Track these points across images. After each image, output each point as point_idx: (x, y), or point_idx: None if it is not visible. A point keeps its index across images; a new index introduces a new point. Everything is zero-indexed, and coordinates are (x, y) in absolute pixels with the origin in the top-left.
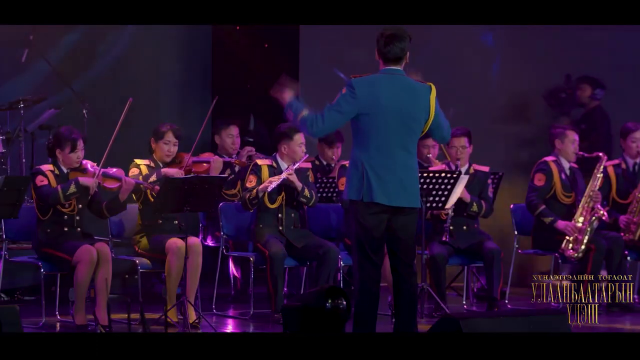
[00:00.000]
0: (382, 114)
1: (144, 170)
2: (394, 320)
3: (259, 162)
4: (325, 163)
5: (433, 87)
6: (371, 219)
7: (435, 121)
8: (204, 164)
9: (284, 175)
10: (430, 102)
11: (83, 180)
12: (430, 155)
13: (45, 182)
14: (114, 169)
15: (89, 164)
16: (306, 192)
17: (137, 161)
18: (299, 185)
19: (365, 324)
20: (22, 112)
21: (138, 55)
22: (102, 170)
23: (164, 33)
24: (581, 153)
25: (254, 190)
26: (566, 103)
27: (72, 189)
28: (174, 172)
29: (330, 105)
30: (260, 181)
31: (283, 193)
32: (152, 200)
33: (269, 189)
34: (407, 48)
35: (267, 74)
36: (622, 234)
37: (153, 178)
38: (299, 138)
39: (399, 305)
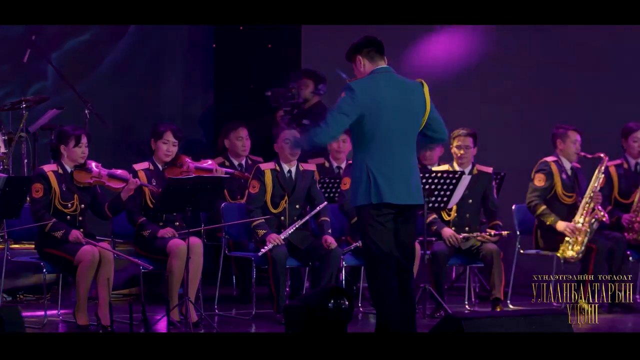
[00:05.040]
0: (384, 114)
1: (142, 177)
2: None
3: (262, 166)
4: (335, 165)
5: (424, 82)
6: (382, 220)
7: (431, 115)
8: (207, 173)
9: (283, 236)
10: (425, 96)
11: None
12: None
13: (41, 193)
14: (119, 170)
15: (93, 164)
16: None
17: (137, 168)
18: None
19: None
20: (24, 112)
21: (140, 56)
22: (108, 171)
23: (167, 33)
24: (583, 153)
25: (264, 236)
26: (288, 99)
27: (58, 232)
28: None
29: (332, 110)
30: (264, 186)
31: (286, 197)
32: (151, 206)
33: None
34: None
35: (269, 74)
36: (625, 233)
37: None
38: (283, 135)
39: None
